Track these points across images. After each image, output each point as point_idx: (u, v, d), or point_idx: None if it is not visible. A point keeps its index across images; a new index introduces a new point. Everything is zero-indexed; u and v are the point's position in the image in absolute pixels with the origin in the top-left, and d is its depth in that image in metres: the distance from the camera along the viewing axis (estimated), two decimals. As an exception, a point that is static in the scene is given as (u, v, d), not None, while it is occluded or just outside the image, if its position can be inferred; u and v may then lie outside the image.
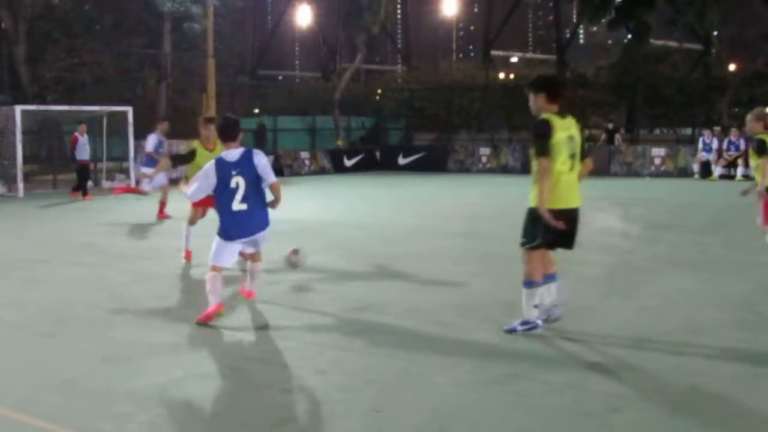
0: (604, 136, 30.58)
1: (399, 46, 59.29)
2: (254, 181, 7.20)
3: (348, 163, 32.72)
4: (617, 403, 5.17)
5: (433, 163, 32.08)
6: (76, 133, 21.17)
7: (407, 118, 39.21)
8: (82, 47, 32.21)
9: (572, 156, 6.60)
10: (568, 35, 43.68)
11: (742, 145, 25.26)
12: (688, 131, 33.70)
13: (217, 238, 7.29)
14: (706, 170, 26.02)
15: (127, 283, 9.33)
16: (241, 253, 7.70)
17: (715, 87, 34.09)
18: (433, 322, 7.27)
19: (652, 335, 6.74)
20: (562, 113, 6.64)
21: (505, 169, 30.66)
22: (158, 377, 5.77)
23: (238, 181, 7.13)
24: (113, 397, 5.35)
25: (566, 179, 6.59)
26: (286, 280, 9.08)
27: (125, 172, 24.70)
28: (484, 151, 31.89)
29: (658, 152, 27.68)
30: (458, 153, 32.62)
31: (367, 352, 6.42)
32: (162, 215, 15.79)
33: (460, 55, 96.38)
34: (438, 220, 15.70)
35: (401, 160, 33.31)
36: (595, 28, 52.64)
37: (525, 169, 29.71)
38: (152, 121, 20.47)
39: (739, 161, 25.20)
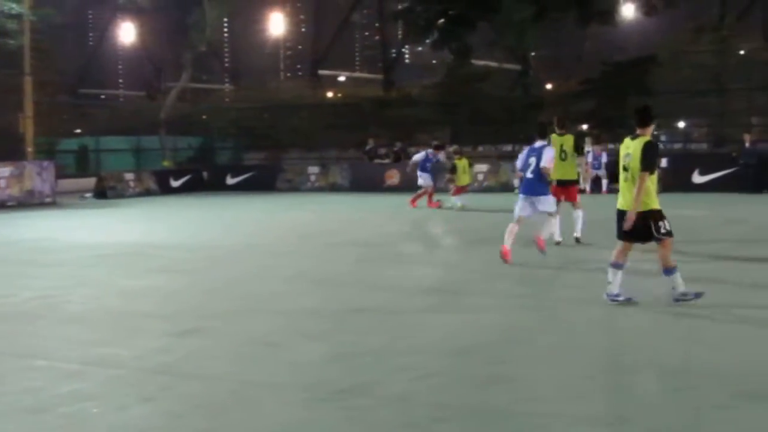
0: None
1: (226, 65, 58.84)
2: None
3: (175, 183, 32.04)
4: (443, 413, 5.29)
5: (262, 182, 31.90)
6: None
7: (236, 137, 38.93)
8: None
9: (625, 169, 8.09)
10: (394, 55, 44.47)
11: (604, 158, 26.49)
12: (509, 147, 35.05)
13: None
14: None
15: None
16: None
17: (533, 105, 35.60)
18: (264, 342, 7.22)
19: (471, 344, 6.93)
20: (635, 136, 8.11)
21: (334, 188, 30.84)
22: None
23: None
24: None
25: (623, 186, 8.20)
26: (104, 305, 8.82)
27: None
28: (313, 170, 31.96)
29: (481, 168, 28.48)
30: (287, 172, 32.56)
31: (196, 375, 6.31)
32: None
33: (289, 75, 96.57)
34: (268, 239, 15.64)
35: (230, 180, 32.95)
36: (420, 49, 53.73)
37: (354, 187, 30.12)
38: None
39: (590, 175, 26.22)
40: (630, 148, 8.04)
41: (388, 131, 35.53)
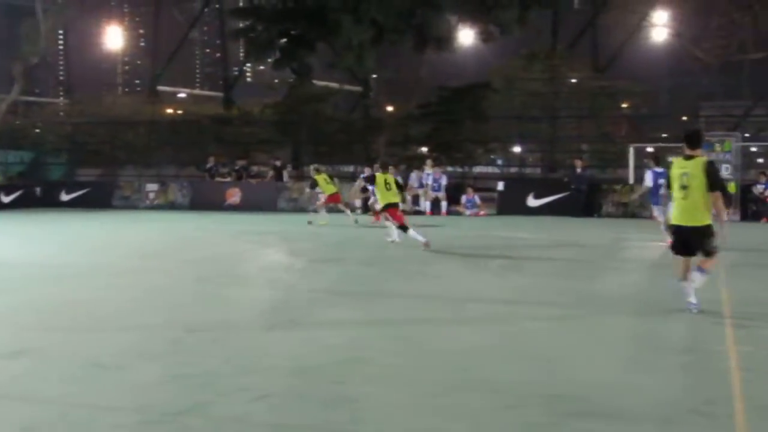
0: (271, 172, 31.17)
1: (61, 78, 56.81)
2: None
3: (5, 199, 30.69)
4: (283, 433, 5.23)
5: (98, 199, 31.02)
6: None
7: (69, 152, 37.67)
8: None
9: (683, 187, 8.71)
10: (235, 73, 44.11)
11: (444, 181, 27.20)
12: (350, 168, 35.33)
13: None
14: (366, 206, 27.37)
15: None
16: None
17: (372, 126, 36.05)
18: (98, 364, 6.95)
19: (312, 364, 6.89)
20: (689, 157, 8.81)
21: (173, 206, 30.27)
22: None
23: None
24: None
25: (680, 204, 8.81)
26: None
27: None
28: (152, 187, 31.30)
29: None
30: (124, 189, 31.76)
31: (23, 398, 5.99)
32: None
33: (126, 90, 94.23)
34: (107, 258, 15.11)
35: (64, 197, 31.86)
36: (261, 67, 53.51)
37: (194, 206, 29.64)
38: None
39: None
40: (687, 168, 8.75)
41: (227, 149, 35.18)
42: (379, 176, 16.73)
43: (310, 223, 22.35)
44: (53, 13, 39.09)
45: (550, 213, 25.79)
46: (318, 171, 23.22)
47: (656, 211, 16.78)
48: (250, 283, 11.95)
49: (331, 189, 23.00)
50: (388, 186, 16.55)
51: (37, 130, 40.15)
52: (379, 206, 17.59)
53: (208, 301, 10.14)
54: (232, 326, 8.50)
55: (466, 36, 37.35)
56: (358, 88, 40.04)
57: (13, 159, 36.96)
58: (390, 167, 17.47)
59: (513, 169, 38.06)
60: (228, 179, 30.91)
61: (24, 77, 39.25)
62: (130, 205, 30.83)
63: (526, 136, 36.12)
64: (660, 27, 37.94)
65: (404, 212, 17.51)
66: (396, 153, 33.66)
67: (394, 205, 16.41)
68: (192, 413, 5.61)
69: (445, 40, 35.68)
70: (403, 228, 16.16)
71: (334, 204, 23.04)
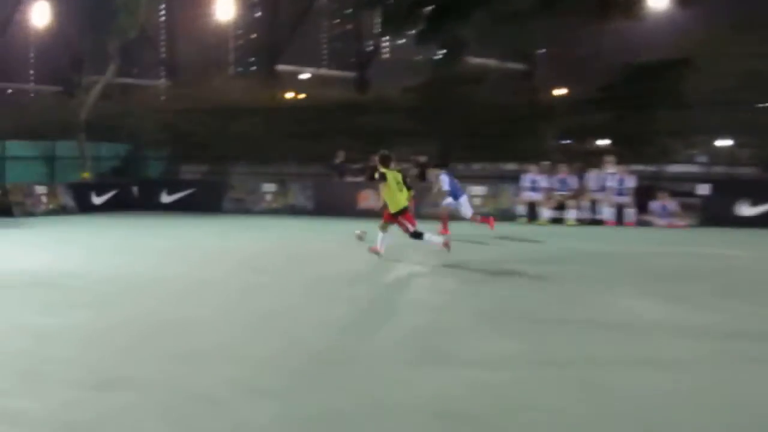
0: (415, 171, 31.23)
1: (162, 56, 58.69)
2: None
3: (97, 200, 31.90)
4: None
5: (205, 201, 31.81)
6: None
7: (172, 145, 38.65)
8: None
9: None
10: (370, 49, 44.50)
11: (574, 183, 26.62)
12: (511, 166, 34.98)
13: None
14: (533, 212, 27.14)
15: None
16: None
17: (539, 114, 35.57)
18: (204, 399, 7.07)
19: (463, 408, 6.82)
20: None
21: (294, 210, 30.73)
22: None
23: None
24: None
25: None
26: None
27: None
28: (269, 187, 31.86)
29: (476, 191, 28.44)
30: (236, 189, 32.44)
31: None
32: None
33: (239, 70, 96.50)
34: (216, 272, 15.44)
35: (165, 198, 32.85)
36: (402, 41, 53.84)
37: (319, 210, 30.01)
38: None
39: (570, 202, 26.44)
40: None
41: (359, 142, 35.39)
42: (390, 174, 16.56)
43: (360, 239, 19.35)
44: (155, -21, 40.30)
45: (768, 225, 24.83)
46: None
47: None
48: (387, 307, 11.96)
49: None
50: (399, 185, 16.47)
51: (135, 119, 41.35)
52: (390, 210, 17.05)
53: (334, 326, 10.21)
54: (365, 358, 8.55)
55: (657, 1, 36.54)
56: (521, 67, 39.69)
57: (106, 152, 38.12)
58: (391, 161, 17.10)
59: (719, 169, 36.93)
60: (360, 178, 31.12)
61: (120, 55, 40.50)
62: (243, 208, 31.47)
63: (738, 126, 34.96)
64: None
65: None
66: (569, 148, 33.18)
67: (406, 209, 16.85)
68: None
69: (634, 4, 35.00)
70: (418, 235, 16.65)
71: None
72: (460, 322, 10.53)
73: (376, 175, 17.06)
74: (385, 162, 16.88)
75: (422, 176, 30.70)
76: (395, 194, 16.49)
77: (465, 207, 22.03)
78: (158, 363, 8.29)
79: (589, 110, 35.28)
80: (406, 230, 16.78)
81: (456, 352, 8.76)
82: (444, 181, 22.02)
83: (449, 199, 22.03)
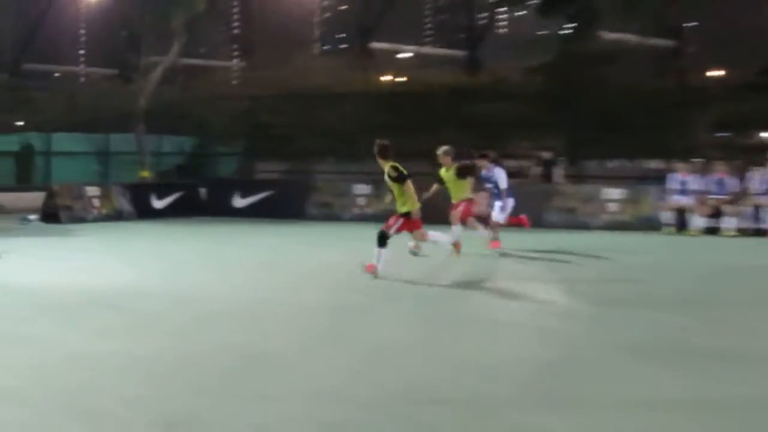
0: (539, 170, 31.06)
1: (235, 33, 59.26)
2: None
3: (158, 204, 32.22)
4: None
5: (285, 205, 31.89)
6: None
7: (247, 139, 38.96)
8: None
9: None
10: (483, 23, 44.37)
11: (733, 185, 26.11)
12: (655, 164, 34.55)
13: None
14: (682, 220, 26.69)
15: None
16: None
17: (691, 101, 35.07)
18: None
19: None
20: None
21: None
22: None
23: None
24: None
25: None
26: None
27: None
28: (361, 189, 31.80)
29: (612, 194, 28.15)
30: (322, 192, 32.48)
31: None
32: None
33: (326, 49, 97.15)
34: (296, 291, 15.51)
35: (238, 201, 33.04)
36: (521, 13, 53.57)
37: (423, 216, 29.88)
38: None
39: (727, 208, 25.95)
40: None
41: (470, 135, 35.25)
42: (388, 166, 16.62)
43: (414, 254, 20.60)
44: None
45: None
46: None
47: None
48: (508, 336, 11.81)
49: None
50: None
51: (202, 107, 41.70)
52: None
53: (445, 361, 10.11)
54: (483, 401, 8.41)
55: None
56: (667, 43, 39.22)
57: (169, 147, 38.62)
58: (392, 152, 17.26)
59: None
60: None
61: (186, 33, 40.82)
62: (332, 215, 31.48)
63: None
64: None
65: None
66: (726, 142, 32.66)
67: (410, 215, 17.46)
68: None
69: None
70: (384, 239, 17.07)
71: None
72: (598, 357, 10.37)
73: (392, 173, 17.22)
74: (386, 154, 17.15)
75: (547, 176, 30.53)
76: (409, 196, 17.19)
77: (508, 209, 21.54)
78: (240, 405, 8.26)
79: (750, 96, 34.67)
80: (387, 229, 17.27)
81: (592, 395, 8.60)
82: (501, 177, 21.63)
83: (510, 201, 21.48)
